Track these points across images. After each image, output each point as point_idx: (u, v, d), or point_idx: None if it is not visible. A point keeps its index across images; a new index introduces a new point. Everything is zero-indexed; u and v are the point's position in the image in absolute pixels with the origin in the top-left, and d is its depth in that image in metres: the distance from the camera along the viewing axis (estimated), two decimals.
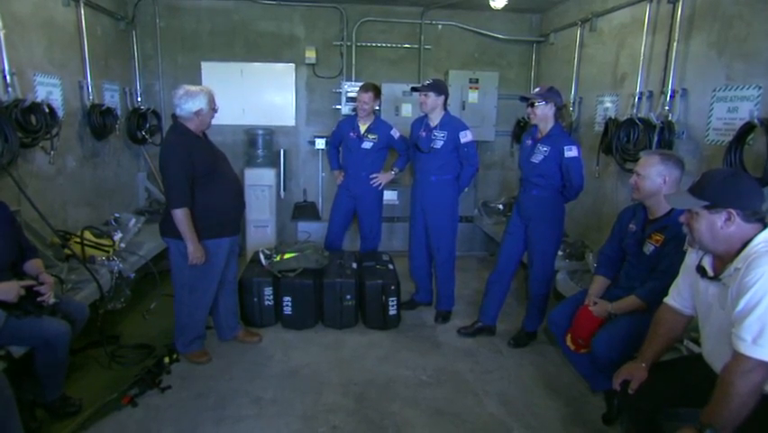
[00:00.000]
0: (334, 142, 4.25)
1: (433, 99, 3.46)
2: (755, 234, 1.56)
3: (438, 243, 3.71)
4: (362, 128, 4.04)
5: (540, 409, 2.72)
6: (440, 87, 3.49)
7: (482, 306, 3.54)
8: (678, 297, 1.91)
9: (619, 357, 2.32)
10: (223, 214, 2.98)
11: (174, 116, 2.88)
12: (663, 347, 1.93)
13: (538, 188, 3.15)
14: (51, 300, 2.39)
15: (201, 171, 2.83)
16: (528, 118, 3.19)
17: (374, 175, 4.06)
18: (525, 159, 3.22)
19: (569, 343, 2.58)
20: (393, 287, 3.58)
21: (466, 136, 3.50)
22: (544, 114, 3.04)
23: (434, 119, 3.55)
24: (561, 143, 3.01)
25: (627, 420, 2.02)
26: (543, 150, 3.06)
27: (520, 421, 2.61)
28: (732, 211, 1.56)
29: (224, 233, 3.00)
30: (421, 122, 3.68)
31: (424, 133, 3.60)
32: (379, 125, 4.08)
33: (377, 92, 3.98)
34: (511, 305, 3.98)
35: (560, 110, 3.09)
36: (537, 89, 3.14)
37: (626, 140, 3.47)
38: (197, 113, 2.82)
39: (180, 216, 2.76)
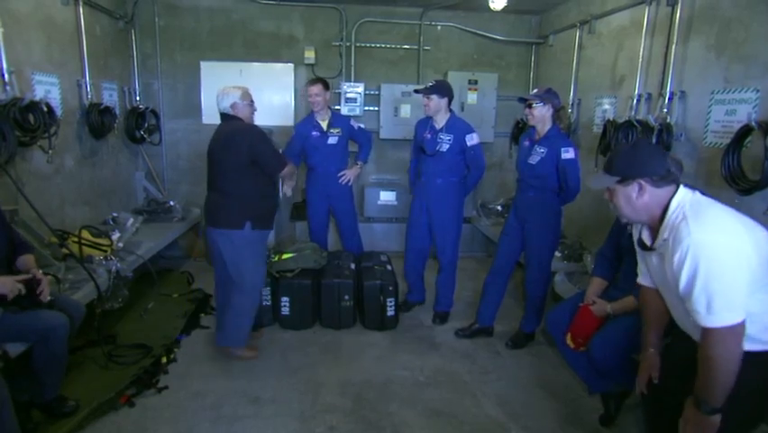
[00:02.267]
0: (294, 150, 4.01)
1: (436, 102, 3.42)
2: (670, 198, 1.60)
3: (443, 244, 3.70)
4: (324, 124, 4.01)
5: (538, 410, 2.72)
6: (443, 89, 3.43)
7: (479, 307, 3.54)
8: (643, 275, 1.93)
9: (616, 360, 2.33)
10: (274, 206, 3.15)
11: (226, 115, 3.03)
12: (660, 326, 1.92)
13: (534, 189, 3.15)
14: (47, 298, 2.38)
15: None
16: (526, 119, 3.19)
17: (342, 173, 4.07)
18: (522, 160, 3.23)
19: (569, 341, 2.57)
20: (391, 288, 3.58)
21: (473, 139, 3.47)
22: (541, 115, 3.03)
23: (440, 121, 3.52)
24: (558, 145, 3.00)
25: (650, 422, 1.98)
26: (540, 151, 3.06)
27: (518, 423, 2.61)
28: (641, 181, 1.61)
29: (269, 225, 3.13)
30: (426, 123, 3.62)
31: (429, 135, 3.56)
32: (338, 119, 4.10)
33: (325, 84, 3.95)
34: (509, 306, 3.99)
35: (558, 112, 3.09)
36: (535, 90, 3.14)
37: (624, 142, 3.48)
38: (233, 105, 3.00)
39: (287, 168, 3.09)
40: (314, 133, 4.01)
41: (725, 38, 2.86)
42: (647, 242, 1.74)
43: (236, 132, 2.93)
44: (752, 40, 2.68)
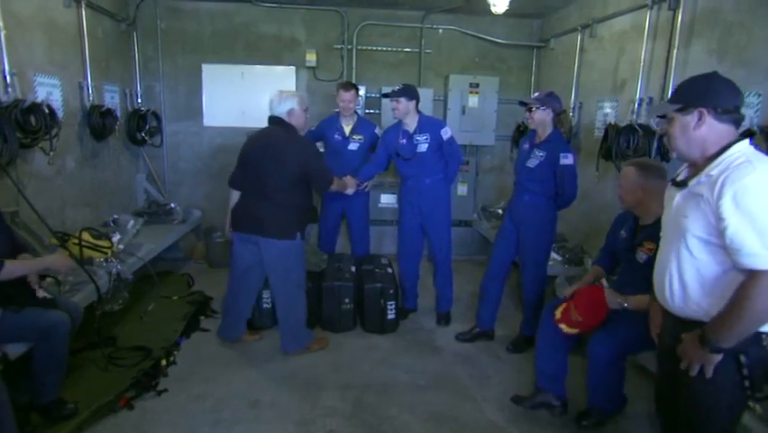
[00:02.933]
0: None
1: (404, 104, 3.45)
2: (731, 142, 1.51)
3: (440, 243, 3.72)
4: (347, 129, 3.98)
5: (538, 415, 2.70)
6: (410, 92, 3.47)
7: (478, 311, 3.54)
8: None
9: (612, 358, 2.35)
10: (311, 214, 3.19)
11: (277, 119, 3.02)
12: None
13: (531, 193, 3.16)
14: (41, 294, 2.41)
15: None
16: (527, 123, 3.19)
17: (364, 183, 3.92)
18: (521, 162, 3.23)
19: (558, 315, 2.50)
20: (392, 291, 3.58)
21: (447, 133, 3.53)
22: (541, 118, 3.04)
23: (411, 124, 3.54)
24: (557, 150, 3.01)
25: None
26: (539, 154, 3.07)
27: (518, 428, 2.59)
28: (703, 110, 1.51)
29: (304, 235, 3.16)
30: (396, 130, 3.61)
31: (404, 141, 3.56)
32: (363, 125, 4.04)
33: (357, 91, 3.96)
34: (509, 310, 3.99)
35: (558, 116, 3.09)
36: (536, 94, 3.15)
37: (625, 146, 3.47)
38: (290, 112, 2.99)
39: (335, 183, 3.17)
40: (336, 136, 3.99)
41: (726, 42, 2.86)
42: (682, 177, 1.64)
43: (289, 144, 2.94)
44: (754, 44, 2.68)
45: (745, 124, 2.55)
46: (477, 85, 5.21)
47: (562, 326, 2.49)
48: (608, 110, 4.04)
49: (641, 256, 2.37)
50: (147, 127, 4.83)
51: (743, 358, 1.47)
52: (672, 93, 1.65)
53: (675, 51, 3.21)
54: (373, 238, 4.83)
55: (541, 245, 3.22)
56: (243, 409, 2.68)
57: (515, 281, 3.97)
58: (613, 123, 3.77)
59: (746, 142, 1.51)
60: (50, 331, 2.29)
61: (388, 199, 5.33)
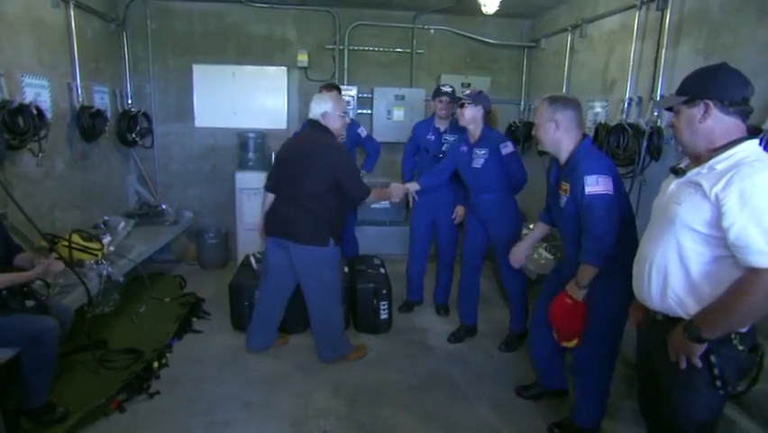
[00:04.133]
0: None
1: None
2: (739, 137, 1.49)
3: (447, 241, 3.86)
4: None
5: (531, 413, 2.72)
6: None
7: (460, 308, 3.62)
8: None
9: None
10: (345, 221, 3.14)
11: (314, 122, 2.96)
12: None
13: (489, 191, 3.24)
14: (61, 267, 2.48)
15: None
16: (458, 118, 3.31)
17: None
18: (465, 166, 3.29)
19: (558, 339, 2.42)
20: (385, 291, 3.58)
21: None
22: (472, 115, 3.17)
23: (443, 125, 3.74)
24: (495, 142, 3.16)
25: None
26: (481, 153, 3.19)
27: (511, 426, 2.61)
28: (709, 102, 1.49)
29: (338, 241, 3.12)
30: (428, 125, 3.83)
31: (432, 137, 3.75)
32: None
33: (339, 91, 4.01)
34: (500, 309, 4.00)
35: (488, 114, 3.24)
36: (468, 92, 3.27)
37: (615, 145, 3.50)
38: (324, 115, 2.93)
39: (374, 194, 3.05)
40: None
41: (713, 43, 2.90)
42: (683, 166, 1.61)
43: (321, 150, 2.86)
44: (740, 45, 2.71)
45: None
46: (469, 85, 5.22)
47: (564, 344, 2.39)
48: (598, 110, 4.07)
49: (562, 201, 2.28)
50: (138, 128, 4.79)
51: (713, 358, 1.48)
52: (680, 85, 1.62)
53: (664, 51, 3.24)
54: (364, 238, 4.84)
55: (511, 238, 3.17)
56: (236, 411, 2.67)
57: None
58: (603, 122, 3.80)
59: (755, 141, 1.50)
60: (38, 337, 2.27)
61: None
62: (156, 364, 3.01)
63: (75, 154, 4.01)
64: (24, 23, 3.34)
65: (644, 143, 3.25)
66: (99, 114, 4.13)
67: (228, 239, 5.16)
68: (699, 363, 1.50)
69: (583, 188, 2.11)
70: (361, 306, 3.58)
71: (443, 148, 3.69)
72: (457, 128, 3.65)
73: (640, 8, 3.47)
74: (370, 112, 5.31)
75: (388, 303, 3.62)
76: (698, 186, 1.48)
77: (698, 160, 1.56)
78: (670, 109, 1.65)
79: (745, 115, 1.52)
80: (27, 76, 3.33)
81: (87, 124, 3.97)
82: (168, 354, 3.19)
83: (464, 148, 3.29)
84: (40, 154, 3.35)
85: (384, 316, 3.61)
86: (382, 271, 3.84)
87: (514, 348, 3.41)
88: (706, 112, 1.50)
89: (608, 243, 2.11)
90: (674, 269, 1.54)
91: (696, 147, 1.56)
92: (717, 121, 1.50)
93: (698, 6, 3.03)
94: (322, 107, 2.92)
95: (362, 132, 4.17)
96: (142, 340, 3.30)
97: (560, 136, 2.25)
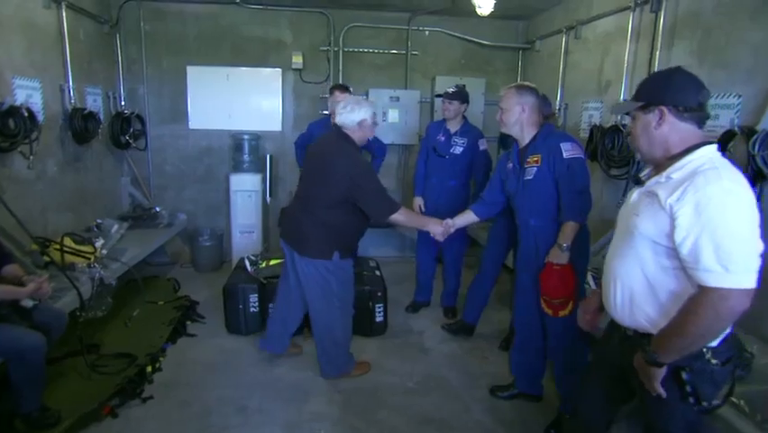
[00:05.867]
0: (303, 143, 4.15)
1: (456, 107, 3.68)
2: (696, 143, 1.43)
3: (451, 242, 3.69)
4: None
5: (527, 415, 2.71)
6: (466, 96, 3.73)
7: (465, 305, 3.61)
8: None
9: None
10: (360, 234, 2.95)
11: (338, 127, 2.77)
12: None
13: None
14: (30, 303, 2.35)
15: None
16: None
17: None
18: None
19: (545, 309, 2.48)
20: (380, 293, 3.57)
21: (483, 144, 3.84)
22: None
23: (454, 126, 3.78)
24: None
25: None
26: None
27: (507, 428, 2.60)
28: (663, 108, 1.44)
29: (353, 254, 3.03)
30: (439, 126, 3.86)
31: (443, 138, 3.77)
32: None
33: (348, 91, 4.01)
34: (503, 312, 3.99)
35: (548, 117, 3.25)
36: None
37: (610, 146, 3.51)
38: (361, 123, 2.74)
39: (404, 215, 2.79)
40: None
41: (707, 44, 2.90)
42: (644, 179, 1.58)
43: (339, 159, 2.66)
44: (733, 46, 2.72)
45: (725, 125, 2.61)
46: (463, 86, 5.21)
47: (561, 313, 2.44)
48: (593, 111, 4.08)
49: (531, 172, 2.49)
50: (131, 130, 4.76)
51: (684, 375, 1.41)
52: (635, 90, 1.59)
53: (658, 53, 3.24)
54: (361, 240, 4.82)
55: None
56: (230, 415, 2.65)
57: (506, 286, 4.00)
58: (598, 124, 3.81)
59: (714, 147, 1.43)
60: (23, 354, 2.24)
61: None
62: (149, 369, 2.98)
63: (67, 156, 3.98)
64: (15, 24, 3.31)
65: None
66: (92, 116, 4.10)
67: (223, 241, 5.13)
68: (661, 391, 1.44)
69: (561, 153, 2.40)
70: (357, 308, 3.55)
71: (451, 150, 3.73)
72: (468, 130, 3.74)
73: (634, 10, 3.47)
74: None
75: (384, 306, 3.60)
76: (655, 196, 1.42)
77: (658, 168, 1.52)
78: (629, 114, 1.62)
79: (701, 121, 1.47)
80: (18, 77, 3.30)
81: (80, 126, 3.94)
82: (161, 359, 3.16)
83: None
84: (31, 157, 3.32)
85: (379, 318, 3.59)
86: (377, 273, 3.82)
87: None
88: (661, 118, 1.46)
89: (588, 198, 2.42)
90: (639, 284, 1.49)
91: (653, 154, 1.52)
92: (672, 127, 1.45)
93: (691, 8, 3.04)
94: (360, 115, 2.69)
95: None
96: (136, 344, 3.27)
97: (524, 119, 2.52)
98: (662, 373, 1.42)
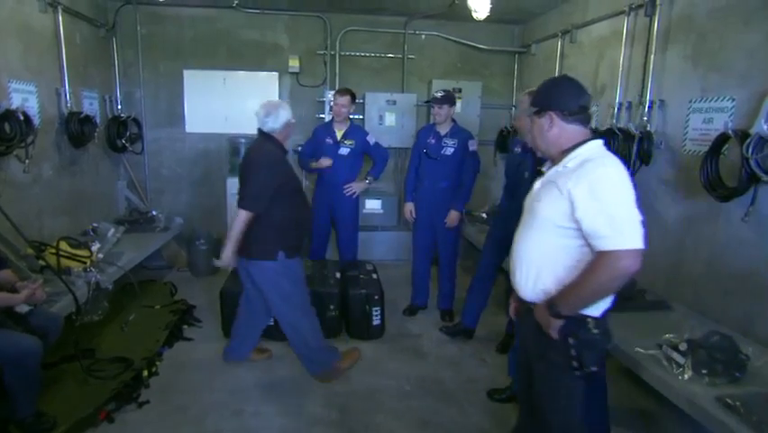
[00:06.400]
0: (308, 151, 4.21)
1: (446, 111, 3.70)
2: (583, 140, 1.68)
3: (445, 243, 3.90)
4: (339, 134, 4.08)
5: None
6: (452, 99, 3.77)
7: (464, 308, 3.61)
8: None
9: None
10: (305, 231, 3.00)
11: (262, 132, 2.80)
12: None
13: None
14: (25, 309, 2.33)
15: (292, 186, 2.85)
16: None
17: (348, 185, 4.09)
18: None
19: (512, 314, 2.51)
20: (377, 297, 3.56)
21: (473, 145, 3.83)
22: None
23: (444, 128, 3.80)
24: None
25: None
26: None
27: (504, 431, 2.60)
28: (551, 113, 1.69)
29: (301, 253, 2.99)
30: (429, 130, 3.86)
31: (433, 141, 3.79)
32: (355, 131, 4.16)
33: (353, 96, 4.05)
34: (498, 315, 4.00)
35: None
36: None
37: (607, 148, 3.52)
38: (287, 124, 2.81)
39: (244, 217, 2.70)
40: (327, 140, 4.09)
41: (701, 48, 2.93)
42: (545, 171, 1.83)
43: (260, 157, 2.76)
44: (726, 50, 2.74)
45: (720, 128, 2.63)
46: (460, 90, 5.25)
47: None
48: None
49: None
50: (127, 134, 4.76)
51: (571, 340, 1.65)
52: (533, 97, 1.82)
53: (652, 57, 3.27)
54: (358, 244, 4.82)
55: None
56: (227, 419, 2.64)
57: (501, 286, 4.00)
58: (593, 127, 3.82)
59: (599, 141, 1.69)
60: (19, 358, 2.23)
61: (372, 205, 5.33)
62: (146, 373, 2.97)
63: (63, 160, 3.97)
64: (11, 27, 3.31)
65: (635, 148, 3.27)
66: (88, 119, 4.10)
67: (219, 245, 5.11)
68: (555, 336, 1.67)
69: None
70: (354, 312, 3.56)
71: (442, 151, 3.74)
72: (458, 132, 3.75)
73: (629, 14, 3.50)
74: (361, 117, 5.31)
75: (381, 309, 3.60)
76: (554, 183, 1.66)
77: (554, 162, 1.76)
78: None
79: (585, 121, 1.71)
80: (14, 81, 3.29)
81: (76, 129, 3.93)
82: (158, 363, 3.14)
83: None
84: (27, 160, 3.31)
85: (376, 322, 3.59)
86: (374, 276, 3.82)
87: (509, 350, 3.40)
88: (551, 122, 1.70)
89: None
90: (541, 262, 1.71)
91: (549, 151, 1.76)
92: (561, 129, 1.70)
93: (685, 12, 3.07)
94: (284, 116, 2.77)
95: (371, 139, 4.19)
96: (132, 348, 3.25)
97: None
98: (559, 323, 1.65)
